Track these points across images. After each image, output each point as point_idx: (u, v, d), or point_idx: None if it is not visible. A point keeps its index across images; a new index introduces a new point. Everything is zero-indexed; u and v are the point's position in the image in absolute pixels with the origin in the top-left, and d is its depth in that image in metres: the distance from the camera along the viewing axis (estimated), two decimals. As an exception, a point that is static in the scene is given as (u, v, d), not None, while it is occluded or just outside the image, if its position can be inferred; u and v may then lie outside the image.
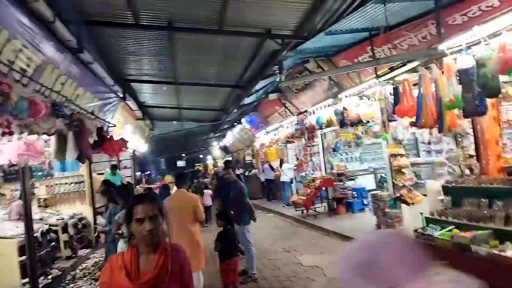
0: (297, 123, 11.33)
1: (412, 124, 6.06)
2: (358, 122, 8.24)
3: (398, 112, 6.27)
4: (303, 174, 12.99)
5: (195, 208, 4.78)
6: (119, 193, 5.21)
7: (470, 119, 5.91)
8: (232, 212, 6.03)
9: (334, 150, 11.93)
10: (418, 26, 5.93)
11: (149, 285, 1.81)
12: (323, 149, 11.60)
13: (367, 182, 11.36)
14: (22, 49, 3.48)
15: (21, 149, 4.46)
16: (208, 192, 12.45)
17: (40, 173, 7.94)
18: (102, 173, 10.56)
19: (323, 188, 10.75)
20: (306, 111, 10.67)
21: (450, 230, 5.28)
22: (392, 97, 6.62)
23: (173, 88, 10.16)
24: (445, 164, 7.25)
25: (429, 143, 11.29)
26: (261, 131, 15.20)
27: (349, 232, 8.03)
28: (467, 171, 6.24)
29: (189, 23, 6.11)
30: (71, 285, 6.10)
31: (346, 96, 8.42)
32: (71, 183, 8.78)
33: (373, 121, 7.82)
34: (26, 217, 5.02)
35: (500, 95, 4.87)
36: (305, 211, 10.87)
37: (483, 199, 5.27)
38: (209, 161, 28.52)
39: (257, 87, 9.73)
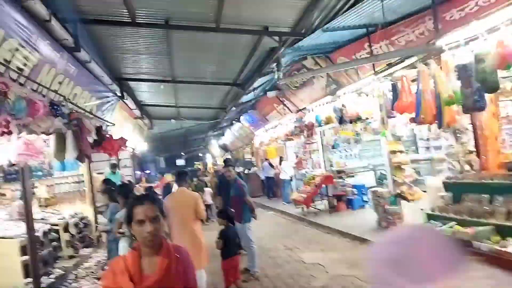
0: (296, 121, 11.32)
1: (412, 120, 6.07)
2: (357, 119, 8.24)
3: (397, 108, 6.28)
4: (303, 171, 13.00)
5: (196, 206, 4.79)
6: (120, 192, 5.22)
7: (469, 115, 5.91)
8: (232, 210, 6.03)
9: (333, 147, 11.93)
10: (416, 22, 5.93)
11: None
12: (322, 146, 11.60)
13: (367, 179, 11.36)
14: (18, 48, 3.47)
15: (21, 149, 4.45)
16: (208, 190, 12.46)
17: (40, 173, 7.94)
18: (102, 173, 10.55)
19: (323, 186, 10.76)
20: (304, 108, 10.67)
21: (451, 226, 5.30)
22: (391, 93, 6.63)
23: (171, 86, 10.15)
24: (445, 160, 7.26)
25: (427, 139, 11.30)
26: (260, 129, 15.20)
27: (350, 229, 8.03)
28: (466, 167, 6.25)
29: (186, 21, 6.09)
30: (74, 284, 6.10)
31: (344, 93, 8.42)
32: (71, 182, 8.78)
33: (372, 117, 7.81)
34: (27, 217, 5.01)
35: (498, 90, 4.87)
36: (305, 209, 10.88)
37: (484, 195, 5.28)
38: (209, 159, 28.50)
39: (255, 84, 9.73)
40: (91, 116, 6.03)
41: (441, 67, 5.37)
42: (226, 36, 6.79)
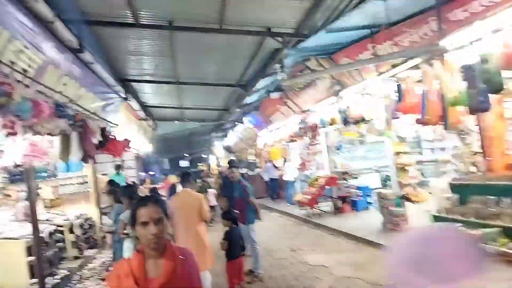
0: (300, 122, 11.31)
1: (418, 121, 6.03)
2: (361, 120, 8.21)
3: (402, 109, 6.25)
4: (307, 173, 12.97)
5: (200, 207, 4.78)
6: (124, 192, 5.24)
7: (474, 116, 5.87)
8: (236, 211, 6.02)
9: (337, 148, 11.91)
10: (419, 23, 5.90)
11: None
12: (326, 147, 11.58)
13: (371, 180, 11.32)
14: (23, 50, 3.48)
15: (26, 150, 4.47)
16: (212, 191, 12.45)
17: (44, 174, 7.99)
18: (106, 174, 10.60)
19: (327, 187, 10.72)
20: (308, 110, 10.65)
21: (457, 228, 5.25)
22: (396, 94, 6.59)
23: (174, 88, 10.18)
24: (449, 161, 7.21)
25: (432, 140, 11.25)
26: (264, 130, 15.19)
27: (355, 231, 7.99)
28: (472, 168, 6.20)
29: (190, 22, 6.10)
30: (79, 285, 6.12)
31: (348, 94, 8.39)
32: (76, 183, 8.82)
33: (376, 119, 7.78)
34: (32, 217, 5.04)
35: (502, 91, 4.84)
36: (309, 210, 10.85)
37: (490, 197, 5.23)
38: (212, 161, 28.52)
39: (258, 86, 9.73)
40: (96, 117, 6.04)
41: (445, 68, 5.34)
42: (229, 37, 6.80)
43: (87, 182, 8.86)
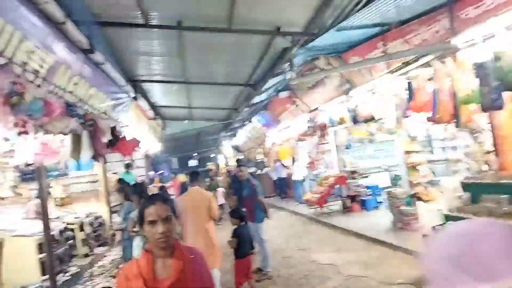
0: (308, 121, 11.26)
1: (431, 120, 5.96)
2: (371, 119, 8.14)
3: (413, 108, 6.18)
4: (316, 172, 12.92)
5: (209, 205, 4.80)
6: (134, 190, 5.30)
7: (487, 114, 5.78)
8: (245, 210, 6.02)
9: (346, 147, 11.84)
10: (430, 21, 5.83)
11: None
12: (335, 146, 11.52)
13: (380, 179, 11.23)
14: (34, 50, 3.53)
15: (37, 149, 4.54)
16: (220, 190, 12.51)
17: (55, 173, 8.10)
18: (116, 173, 10.71)
19: (336, 186, 10.68)
20: (317, 108, 10.60)
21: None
22: (407, 92, 6.52)
23: (183, 87, 10.21)
24: (460, 160, 7.12)
25: (443, 139, 11.12)
26: (272, 129, 15.18)
27: (364, 230, 7.94)
28: (484, 167, 6.11)
29: (198, 22, 6.12)
30: (89, 282, 6.20)
31: (358, 93, 8.33)
32: (86, 182, 8.93)
33: (386, 117, 7.71)
34: (43, 215, 5.11)
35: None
36: (318, 209, 10.81)
37: (502, 196, 5.15)
38: (221, 160, 28.59)
39: (267, 85, 9.70)
40: (106, 117, 6.10)
41: (457, 66, 5.27)
42: (238, 37, 6.79)
43: (97, 181, 8.97)
